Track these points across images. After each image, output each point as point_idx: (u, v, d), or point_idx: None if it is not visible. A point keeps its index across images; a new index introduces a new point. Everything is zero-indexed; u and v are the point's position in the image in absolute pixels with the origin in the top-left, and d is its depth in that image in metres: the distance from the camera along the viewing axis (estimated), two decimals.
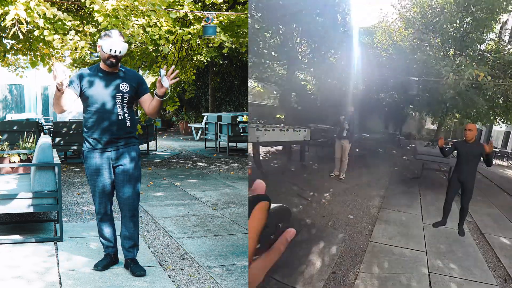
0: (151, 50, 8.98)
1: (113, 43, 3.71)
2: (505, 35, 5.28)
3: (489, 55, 5.13)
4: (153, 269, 4.09)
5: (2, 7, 5.87)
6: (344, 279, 3.89)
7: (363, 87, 6.45)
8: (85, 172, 3.99)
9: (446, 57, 5.24)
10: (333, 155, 6.32)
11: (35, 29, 6.33)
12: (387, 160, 7.06)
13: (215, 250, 4.65)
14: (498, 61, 5.00)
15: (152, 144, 13.25)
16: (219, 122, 12.71)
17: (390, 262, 4.23)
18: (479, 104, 5.19)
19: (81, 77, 3.86)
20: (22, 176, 6.03)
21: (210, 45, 11.07)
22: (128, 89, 3.87)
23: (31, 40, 8.55)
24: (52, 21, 6.21)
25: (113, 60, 3.78)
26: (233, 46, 9.88)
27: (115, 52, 3.72)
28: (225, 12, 8.35)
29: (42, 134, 10.27)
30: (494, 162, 5.88)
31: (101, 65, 3.86)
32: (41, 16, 6.02)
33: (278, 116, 7.32)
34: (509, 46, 5.11)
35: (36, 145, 6.45)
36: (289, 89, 7.18)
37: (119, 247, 4.17)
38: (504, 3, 4.99)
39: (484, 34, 5.12)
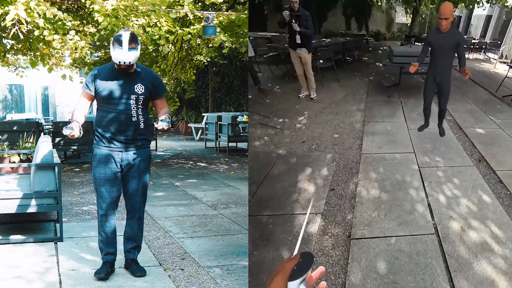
0: (151, 50, 8.98)
1: (122, 55, 3.61)
2: None
3: None
4: (153, 269, 4.09)
5: (2, 7, 5.87)
6: (345, 191, 4.15)
7: None
8: (92, 172, 3.88)
9: None
10: (292, 72, 5.40)
11: (35, 29, 6.33)
12: (359, 69, 6.48)
13: (215, 250, 4.65)
14: None
15: (152, 144, 13.25)
16: (219, 122, 12.71)
17: (384, 167, 4.60)
18: None
19: (95, 77, 3.79)
20: (22, 176, 6.03)
21: (210, 45, 11.07)
22: (143, 91, 3.79)
23: (31, 40, 8.56)
24: (52, 21, 6.21)
25: (124, 68, 3.72)
26: (233, 46, 9.89)
27: (124, 63, 3.64)
28: (225, 12, 8.35)
29: (42, 134, 10.28)
30: (471, 55, 5.71)
31: (116, 65, 3.77)
32: (41, 16, 6.02)
33: None
34: None
35: (36, 145, 6.45)
36: None
37: (120, 246, 4.16)
38: None
39: None
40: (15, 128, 9.80)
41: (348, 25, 6.06)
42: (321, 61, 5.72)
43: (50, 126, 11.81)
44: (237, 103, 19.21)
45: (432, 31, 4.39)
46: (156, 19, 6.79)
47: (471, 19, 5.56)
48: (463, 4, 5.09)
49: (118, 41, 3.63)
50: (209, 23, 7.24)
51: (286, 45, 5.28)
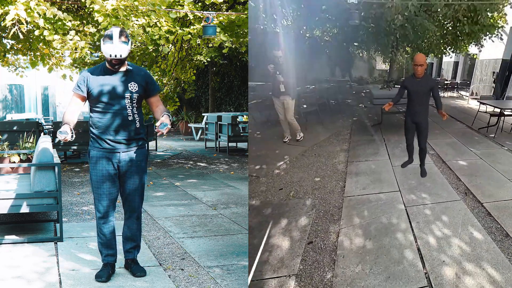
0: (151, 50, 8.99)
1: (112, 48, 3.61)
2: None
3: None
4: (153, 269, 4.09)
5: (2, 7, 5.87)
6: (325, 243, 3.84)
7: (290, 23, 5.30)
8: (90, 173, 3.88)
9: None
10: (275, 118, 5.46)
11: (35, 29, 6.33)
12: (342, 111, 6.60)
13: (215, 250, 4.65)
14: None
15: (152, 144, 13.25)
16: (219, 122, 12.71)
17: (368, 210, 4.39)
18: (430, 31, 4.90)
19: (87, 78, 3.77)
20: (22, 176, 6.03)
21: (210, 45, 11.07)
22: (137, 89, 3.77)
23: (31, 40, 8.56)
24: (52, 21, 6.21)
25: (116, 62, 3.70)
26: (233, 46, 9.88)
27: (115, 56, 3.63)
28: (225, 12, 8.35)
29: (42, 134, 10.28)
30: (446, 94, 6.16)
31: (107, 64, 3.76)
32: (41, 16, 6.02)
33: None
34: None
35: (36, 145, 6.45)
36: None
37: (120, 247, 4.16)
38: None
39: None
40: (15, 128, 9.80)
41: (333, 72, 6.49)
42: (305, 106, 5.85)
43: (50, 126, 11.81)
44: (237, 103, 19.20)
45: (408, 77, 4.67)
46: (156, 19, 6.79)
47: (441, 64, 6.29)
48: (432, 54, 5.71)
49: (109, 36, 3.64)
50: (209, 23, 7.24)
51: (270, 93, 5.44)
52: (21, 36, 6.44)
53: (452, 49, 5.59)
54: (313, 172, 5.20)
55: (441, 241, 3.78)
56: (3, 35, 9.14)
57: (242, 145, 13.70)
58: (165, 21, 6.99)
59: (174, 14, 7.20)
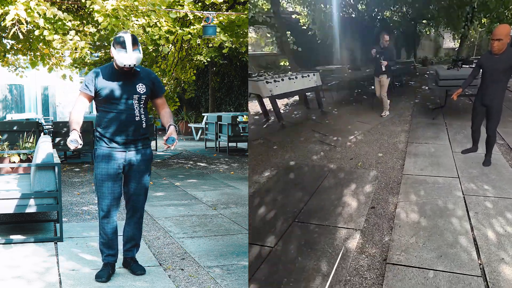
0: (151, 50, 8.98)
1: (126, 58, 3.61)
2: None
3: None
4: (153, 269, 4.09)
5: (2, 7, 5.88)
6: (384, 211, 4.13)
7: (364, 6, 5.52)
8: (94, 172, 3.86)
9: None
10: (348, 97, 6.06)
11: (35, 29, 6.33)
12: (405, 93, 6.87)
13: (215, 250, 4.65)
14: None
15: (152, 144, 13.25)
16: (219, 122, 12.71)
17: (425, 190, 4.49)
18: None
19: (95, 77, 3.77)
20: (22, 176, 6.03)
21: (210, 45, 11.07)
22: (145, 90, 3.79)
23: (31, 40, 8.56)
24: (52, 21, 6.21)
25: (128, 70, 3.73)
26: (233, 46, 9.88)
27: (129, 66, 3.65)
28: (225, 12, 8.35)
29: (42, 134, 10.28)
30: None
31: (116, 66, 3.76)
32: (41, 16, 6.02)
33: (282, 63, 6.77)
34: None
35: (36, 145, 6.45)
36: (281, 27, 6.04)
37: (120, 247, 4.16)
38: None
39: None
40: (15, 128, 9.80)
41: (398, 54, 6.54)
42: (372, 87, 6.29)
43: (50, 126, 11.81)
44: (237, 103, 19.20)
45: (486, 53, 4.17)
46: (156, 19, 6.79)
47: None
48: None
49: (121, 44, 3.62)
50: (209, 23, 7.24)
51: (345, 75, 6.11)
52: (21, 36, 6.44)
53: None
54: (377, 148, 5.61)
55: (502, 238, 3.55)
56: (3, 35, 9.14)
57: (242, 145, 13.70)
58: (165, 21, 7.00)
59: (174, 14, 7.20)
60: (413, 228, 3.76)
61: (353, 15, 5.44)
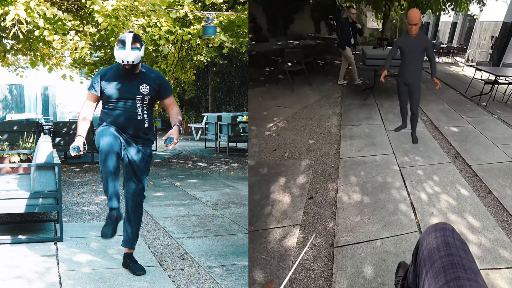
0: (151, 50, 8.98)
1: (124, 54, 3.66)
2: None
3: None
4: (153, 269, 4.09)
5: (2, 7, 5.88)
6: (324, 198, 4.03)
7: None
8: (95, 139, 3.73)
9: None
10: (258, 76, 5.45)
11: (35, 29, 6.34)
12: (331, 73, 6.41)
13: (215, 250, 4.65)
14: None
15: None
16: (219, 122, 12.71)
17: (364, 170, 4.57)
18: None
19: (101, 77, 3.82)
20: (22, 176, 6.03)
21: (210, 45, 11.07)
22: (148, 91, 3.83)
23: (31, 40, 8.56)
24: (52, 21, 6.21)
25: (128, 67, 3.76)
26: (233, 46, 9.89)
27: (127, 62, 3.69)
28: (225, 12, 8.35)
29: (42, 134, 10.28)
30: (440, 59, 6.13)
31: (121, 65, 3.81)
32: (41, 16, 6.02)
33: None
34: None
35: (36, 145, 6.45)
36: None
37: (119, 247, 4.16)
38: None
39: None
40: (15, 128, 9.80)
41: (317, 28, 6.08)
42: (289, 64, 5.62)
43: (50, 126, 11.81)
44: (237, 103, 19.21)
45: (403, 35, 4.55)
46: (156, 19, 6.78)
47: (438, 25, 5.94)
48: (430, 10, 5.35)
49: (122, 42, 3.70)
50: (209, 23, 7.23)
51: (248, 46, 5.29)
52: (21, 36, 6.44)
53: (451, 6, 5.27)
54: (306, 134, 5.23)
55: (432, 196, 4.07)
56: (3, 35, 9.14)
57: (242, 145, 13.70)
58: (165, 21, 6.99)
59: (174, 14, 7.20)
60: (357, 208, 3.88)
61: None
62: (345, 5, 5.72)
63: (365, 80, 6.10)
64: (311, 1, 5.63)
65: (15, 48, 9.86)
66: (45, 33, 6.16)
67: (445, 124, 5.62)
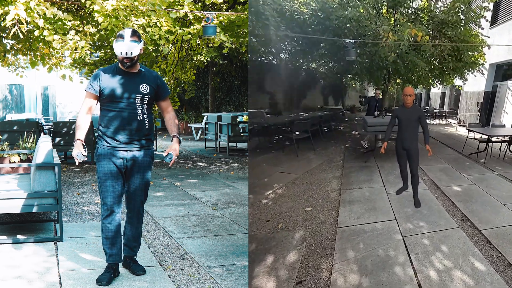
0: (151, 50, 8.98)
1: (123, 46, 3.66)
2: None
3: (422, 14, 5.30)
4: (153, 269, 4.09)
5: (2, 7, 5.87)
6: (316, 282, 3.45)
7: (286, 56, 5.66)
8: (97, 170, 3.87)
9: (380, 15, 5.16)
10: (266, 144, 5.62)
11: (35, 29, 6.33)
12: (335, 138, 6.65)
13: (215, 250, 4.65)
14: (432, 20, 5.19)
15: None
16: (219, 122, 12.71)
17: (364, 241, 4.14)
18: (419, 66, 5.37)
19: (100, 76, 3.81)
20: (22, 176, 6.03)
21: (210, 45, 11.07)
22: (148, 91, 3.82)
23: (31, 40, 8.56)
24: (52, 21, 6.21)
25: (127, 62, 3.74)
26: (233, 46, 9.88)
27: (126, 54, 3.68)
28: (225, 12, 8.35)
29: (42, 134, 10.27)
30: (435, 122, 6.71)
31: (120, 65, 3.80)
32: (41, 16, 6.02)
33: None
34: (440, 4, 5.30)
35: (36, 145, 6.45)
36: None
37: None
38: None
39: None
40: (15, 128, 9.80)
41: (326, 101, 6.86)
42: (297, 133, 5.90)
43: (50, 126, 11.81)
44: (237, 103, 19.21)
45: (399, 106, 5.03)
46: (156, 19, 6.78)
47: (430, 95, 6.90)
48: (421, 86, 6.29)
49: (120, 36, 3.70)
50: (209, 23, 7.23)
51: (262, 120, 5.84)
52: (21, 36, 6.43)
53: (439, 82, 6.20)
54: (304, 201, 4.89)
55: (443, 274, 3.57)
56: (3, 35, 9.14)
57: (242, 145, 13.70)
58: (165, 21, 6.99)
59: (174, 14, 7.20)
60: None
61: (275, 62, 5.62)
62: (350, 83, 6.50)
63: (367, 143, 6.31)
64: (321, 81, 6.25)
65: (15, 48, 9.86)
66: (45, 33, 6.16)
67: (447, 184, 5.45)
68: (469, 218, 4.59)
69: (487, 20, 5.26)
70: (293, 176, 5.49)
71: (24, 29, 6.28)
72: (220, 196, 7.22)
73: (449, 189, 5.34)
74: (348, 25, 5.06)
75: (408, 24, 4.94)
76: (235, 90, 19.29)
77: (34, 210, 4.82)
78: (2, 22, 6.26)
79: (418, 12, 5.28)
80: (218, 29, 7.66)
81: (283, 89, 5.90)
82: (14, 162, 7.33)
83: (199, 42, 10.40)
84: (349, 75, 6.20)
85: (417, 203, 5.00)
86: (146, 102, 3.82)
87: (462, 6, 5.08)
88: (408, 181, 5.15)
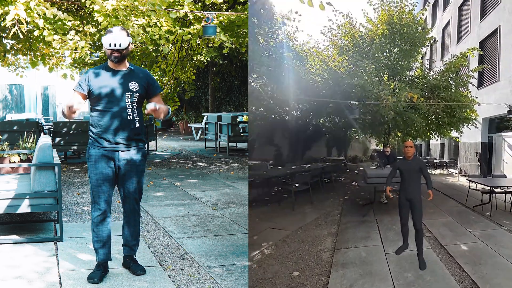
0: (151, 50, 8.99)
1: (112, 37, 3.67)
2: (427, 64, 6.45)
3: (418, 80, 6.02)
4: (153, 269, 4.09)
5: (2, 7, 5.88)
6: None
7: (299, 113, 6.44)
8: (88, 172, 3.90)
9: (381, 82, 5.85)
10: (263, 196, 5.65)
11: (35, 29, 6.33)
12: (335, 189, 6.54)
13: (215, 250, 4.65)
14: (426, 85, 5.87)
15: (152, 144, 13.25)
16: (219, 122, 12.71)
17: None
18: (416, 122, 5.84)
19: (88, 77, 3.80)
20: (22, 176, 6.03)
21: (210, 45, 11.07)
22: (138, 88, 3.81)
23: (31, 40, 8.56)
24: (52, 21, 6.21)
25: (117, 55, 3.72)
26: (233, 46, 9.88)
27: (115, 46, 3.67)
28: (225, 12, 8.35)
29: (42, 134, 10.27)
30: (436, 172, 6.87)
31: (109, 63, 3.80)
32: (41, 16, 6.02)
33: None
34: (431, 73, 6.10)
35: (36, 145, 6.45)
36: None
37: (119, 247, 4.16)
38: (422, 38, 5.97)
39: (411, 63, 6.00)
40: (15, 128, 9.80)
41: (329, 152, 7.21)
42: (297, 185, 5.82)
43: (50, 126, 11.81)
44: (237, 103, 19.21)
45: (400, 159, 5.20)
46: (156, 19, 6.78)
47: (429, 146, 7.25)
48: (420, 138, 6.71)
49: (109, 30, 3.74)
50: (209, 23, 7.23)
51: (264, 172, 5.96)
52: (21, 36, 6.44)
53: (436, 134, 6.57)
54: (291, 264, 4.35)
55: None
56: (3, 35, 9.15)
57: (242, 145, 13.71)
58: (165, 21, 6.99)
59: (174, 14, 7.20)
60: None
61: (287, 118, 6.26)
62: (354, 135, 7.13)
63: (366, 195, 6.26)
64: (326, 134, 6.79)
65: (15, 48, 9.86)
66: (45, 33, 6.16)
67: (451, 241, 4.94)
68: (479, 285, 3.98)
69: (473, 85, 5.87)
70: (285, 233, 5.03)
71: (24, 29, 6.28)
72: (220, 196, 7.22)
73: (455, 248, 4.79)
74: (354, 90, 5.73)
75: (405, 88, 5.57)
76: (235, 90, 19.29)
77: (34, 210, 4.82)
78: (2, 22, 6.27)
79: (414, 79, 6.06)
80: (218, 29, 7.66)
81: (290, 142, 6.23)
82: (14, 162, 7.33)
83: (199, 42, 10.40)
84: (353, 129, 6.73)
85: (422, 264, 4.55)
86: (136, 100, 3.80)
87: (451, 74, 5.85)
88: (409, 239, 4.79)
